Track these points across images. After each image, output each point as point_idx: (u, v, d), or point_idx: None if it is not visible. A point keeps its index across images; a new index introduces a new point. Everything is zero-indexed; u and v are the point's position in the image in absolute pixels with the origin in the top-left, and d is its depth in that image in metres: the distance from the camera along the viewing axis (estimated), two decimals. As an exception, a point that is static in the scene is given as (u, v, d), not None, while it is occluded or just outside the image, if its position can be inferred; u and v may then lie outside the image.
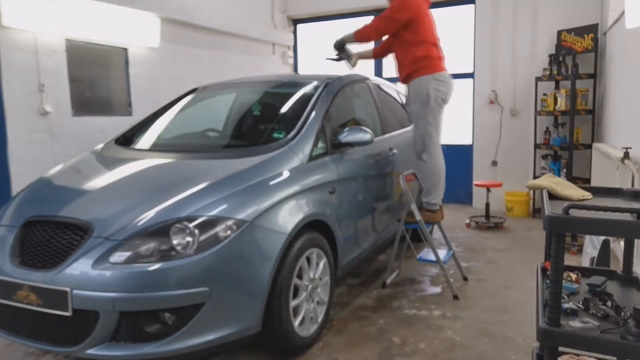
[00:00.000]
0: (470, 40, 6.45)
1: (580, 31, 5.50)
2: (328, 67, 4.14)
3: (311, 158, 2.87)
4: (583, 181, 5.33)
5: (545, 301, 1.51)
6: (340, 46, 3.88)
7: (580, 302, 1.56)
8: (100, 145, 3.28)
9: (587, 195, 1.70)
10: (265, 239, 2.37)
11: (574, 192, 1.72)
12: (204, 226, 2.19)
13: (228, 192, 2.36)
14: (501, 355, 2.62)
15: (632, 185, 3.10)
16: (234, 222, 2.25)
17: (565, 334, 1.41)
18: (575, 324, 1.45)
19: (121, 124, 4.41)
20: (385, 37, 3.82)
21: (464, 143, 6.61)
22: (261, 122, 3.62)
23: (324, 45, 7.49)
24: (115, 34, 4.76)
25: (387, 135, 3.94)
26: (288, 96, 3.51)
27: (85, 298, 2.05)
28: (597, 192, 1.76)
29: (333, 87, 3.38)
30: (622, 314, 1.47)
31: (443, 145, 3.79)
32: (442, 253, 3.67)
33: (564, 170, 5.44)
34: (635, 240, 2.11)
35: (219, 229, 2.21)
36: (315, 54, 7.75)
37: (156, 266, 2.07)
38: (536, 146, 5.89)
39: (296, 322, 2.54)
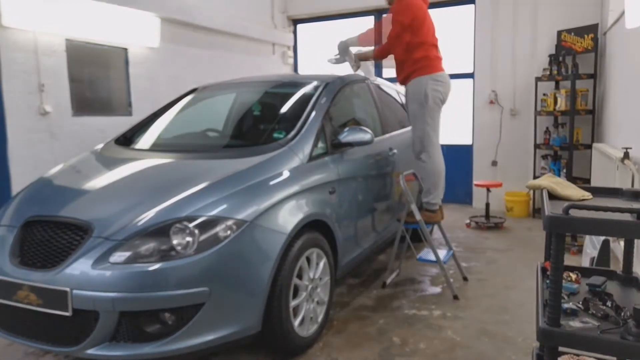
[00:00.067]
0: (470, 40, 6.45)
1: (580, 31, 5.50)
2: (328, 67, 4.13)
3: (311, 158, 2.87)
4: (583, 181, 5.33)
5: (545, 301, 1.51)
6: (343, 49, 3.87)
7: (580, 302, 1.56)
8: (100, 145, 3.28)
9: (587, 195, 1.70)
10: (265, 239, 2.37)
11: (574, 192, 1.72)
12: (204, 226, 2.19)
13: (228, 192, 2.36)
14: (501, 355, 2.62)
15: (632, 185, 3.10)
16: (234, 222, 2.25)
17: (565, 334, 1.41)
18: (575, 324, 1.45)
19: (121, 124, 4.41)
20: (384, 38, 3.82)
21: (464, 143, 6.61)
22: (261, 122, 3.62)
23: (324, 46, 7.52)
24: (115, 34, 4.76)
25: (387, 135, 3.94)
26: (288, 96, 3.51)
27: (85, 298, 2.05)
28: (597, 192, 1.76)
29: (333, 87, 3.39)
30: (622, 314, 1.47)
31: (443, 145, 3.79)
32: (442, 253, 3.67)
33: (564, 171, 5.44)
34: (635, 240, 2.11)
35: (219, 229, 2.21)
36: (316, 54, 7.76)
37: (156, 266, 2.07)
38: (536, 146, 5.89)
39: (296, 322, 2.54)
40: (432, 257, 3.54)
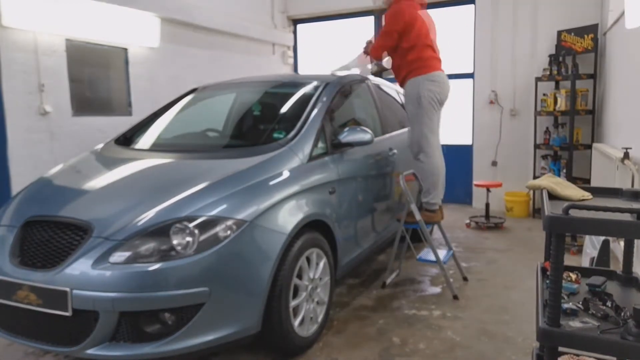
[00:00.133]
0: (470, 40, 6.45)
1: (580, 31, 5.51)
2: (327, 67, 4.14)
3: (311, 158, 2.87)
4: (583, 181, 5.33)
5: (545, 301, 1.50)
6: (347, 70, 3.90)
7: (580, 302, 1.56)
8: (100, 145, 3.28)
9: (587, 195, 1.70)
10: (265, 239, 2.37)
11: (573, 192, 1.72)
12: (204, 226, 2.19)
13: (228, 192, 2.36)
14: (501, 355, 2.62)
15: (632, 185, 3.10)
16: (234, 222, 2.25)
17: (565, 334, 1.41)
18: (575, 324, 1.45)
19: (121, 124, 4.41)
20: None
21: (464, 143, 6.61)
22: (261, 122, 3.62)
23: (324, 46, 7.52)
24: (115, 34, 4.76)
25: (387, 135, 3.94)
26: (288, 96, 3.51)
27: (85, 298, 2.05)
28: (597, 192, 1.76)
29: (333, 87, 3.39)
30: (622, 314, 1.47)
31: (443, 145, 3.79)
32: (442, 253, 3.67)
33: (564, 171, 5.44)
34: (635, 240, 2.11)
35: (218, 229, 2.21)
36: (316, 54, 7.76)
37: (156, 266, 2.07)
38: (536, 146, 5.89)
39: (296, 322, 2.54)
40: (432, 257, 3.54)
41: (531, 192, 5.92)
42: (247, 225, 2.28)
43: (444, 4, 6.60)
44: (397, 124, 4.23)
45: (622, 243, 1.90)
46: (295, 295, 2.54)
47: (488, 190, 5.60)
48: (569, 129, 5.36)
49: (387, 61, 3.95)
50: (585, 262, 3.24)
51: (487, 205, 5.57)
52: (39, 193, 2.66)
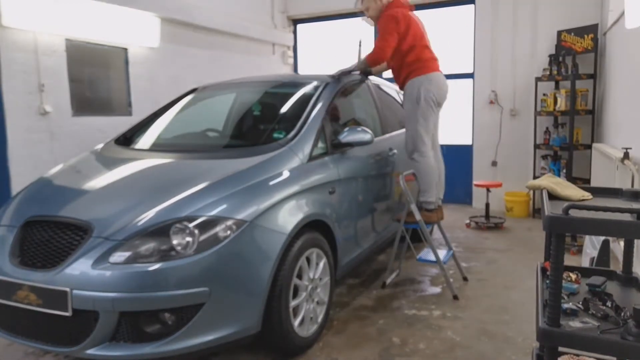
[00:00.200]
0: (470, 40, 6.45)
1: (580, 31, 5.51)
2: (328, 67, 4.14)
3: (311, 158, 2.87)
4: (583, 181, 5.34)
5: (545, 301, 1.51)
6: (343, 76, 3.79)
7: (580, 302, 1.56)
8: (100, 145, 3.28)
9: (587, 195, 1.70)
10: (265, 239, 2.37)
11: (573, 192, 1.72)
12: (204, 226, 2.19)
13: (228, 192, 2.36)
14: (501, 355, 2.62)
15: (632, 185, 3.10)
16: (234, 222, 2.25)
17: (565, 334, 1.41)
18: (575, 324, 1.45)
19: (121, 124, 4.41)
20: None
21: (464, 143, 6.61)
22: (261, 122, 3.62)
23: (324, 46, 7.52)
24: (115, 34, 4.76)
25: (387, 135, 3.94)
26: (288, 96, 3.51)
27: (85, 298, 2.05)
28: (597, 192, 1.76)
29: (333, 87, 3.39)
30: (622, 314, 1.47)
31: (443, 145, 3.79)
32: (442, 253, 3.67)
33: (564, 171, 5.44)
34: (635, 241, 2.11)
35: (218, 229, 2.20)
36: (316, 54, 7.76)
37: (156, 266, 2.07)
38: (536, 146, 5.89)
39: (296, 322, 2.54)
40: (432, 257, 3.54)
41: (531, 192, 5.92)
42: (247, 225, 2.28)
43: (444, 4, 6.61)
44: (397, 124, 4.23)
45: (622, 243, 1.90)
46: (295, 295, 2.54)
47: (488, 190, 5.60)
48: (569, 129, 5.36)
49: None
50: (585, 262, 3.24)
51: (487, 205, 5.57)
52: (39, 193, 2.66)
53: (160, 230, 2.16)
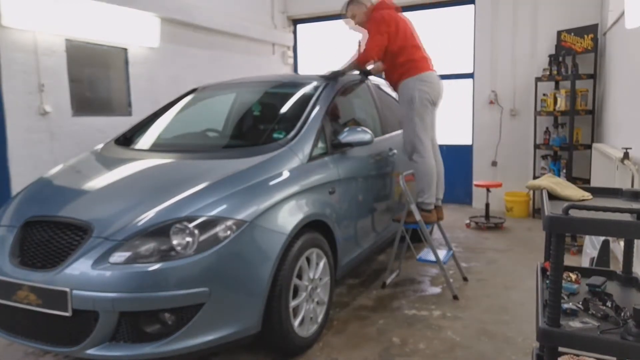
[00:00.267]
0: (470, 40, 6.45)
1: (580, 31, 5.51)
2: (327, 68, 4.12)
3: (311, 158, 2.87)
4: (583, 181, 5.34)
5: (545, 301, 1.50)
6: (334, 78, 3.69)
7: (580, 303, 1.56)
8: (100, 145, 3.28)
9: (587, 195, 1.70)
10: (265, 239, 2.37)
11: (573, 192, 1.72)
12: (204, 226, 2.19)
13: (228, 192, 2.36)
14: (501, 355, 2.62)
15: (632, 185, 3.10)
16: (234, 222, 2.25)
17: (565, 334, 1.41)
18: (575, 324, 1.45)
19: (121, 124, 4.41)
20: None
21: (464, 143, 6.61)
22: (261, 122, 3.62)
23: (324, 46, 7.51)
24: (115, 34, 4.76)
25: (387, 136, 3.94)
26: (288, 96, 3.51)
27: (85, 298, 2.05)
28: (597, 192, 1.76)
29: (333, 87, 3.39)
30: (622, 314, 1.47)
31: (442, 146, 3.78)
32: (442, 253, 3.67)
33: (564, 171, 5.44)
34: (635, 241, 2.11)
35: (218, 229, 2.20)
36: (316, 54, 7.75)
37: (156, 266, 2.07)
38: (536, 146, 5.89)
39: (296, 322, 2.54)
40: (432, 258, 3.54)
41: (531, 192, 5.92)
42: (247, 225, 2.28)
43: (444, 4, 6.61)
44: (397, 124, 4.22)
45: (622, 243, 1.90)
46: (295, 295, 2.54)
47: (488, 190, 5.60)
48: (568, 129, 5.36)
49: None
50: (585, 262, 3.24)
51: (487, 205, 5.57)
52: (39, 193, 2.66)
53: (160, 230, 2.16)
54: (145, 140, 3.32)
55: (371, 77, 4.08)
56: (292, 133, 2.91)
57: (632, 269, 1.78)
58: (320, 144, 3.01)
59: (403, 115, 3.65)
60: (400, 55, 3.55)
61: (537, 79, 5.79)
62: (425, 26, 6.66)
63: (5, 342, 2.75)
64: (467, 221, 5.62)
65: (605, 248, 2.62)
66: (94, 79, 4.74)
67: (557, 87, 5.73)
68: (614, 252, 3.54)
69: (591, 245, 3.05)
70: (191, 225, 2.18)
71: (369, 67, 3.84)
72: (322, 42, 7.69)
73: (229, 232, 2.21)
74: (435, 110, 3.72)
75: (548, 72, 5.64)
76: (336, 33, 7.51)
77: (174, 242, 2.14)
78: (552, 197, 1.70)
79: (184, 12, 5.42)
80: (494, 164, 6.37)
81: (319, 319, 2.79)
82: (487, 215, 5.56)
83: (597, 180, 4.55)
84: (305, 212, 2.62)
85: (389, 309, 3.25)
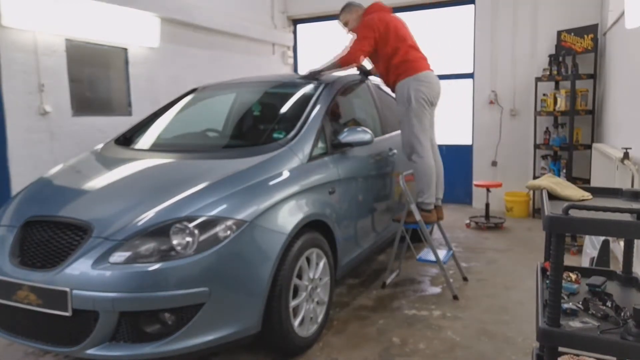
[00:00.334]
0: (470, 40, 6.45)
1: (580, 31, 5.51)
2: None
3: (311, 158, 2.87)
4: (583, 181, 5.34)
5: (545, 301, 1.51)
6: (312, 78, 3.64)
7: (580, 303, 1.56)
8: (100, 145, 3.28)
9: (586, 195, 1.70)
10: (265, 239, 2.37)
11: (573, 192, 1.72)
12: (204, 226, 2.19)
13: (228, 192, 2.36)
14: (501, 355, 2.62)
15: (632, 185, 3.10)
16: (234, 222, 2.25)
17: (565, 334, 1.41)
18: (575, 324, 1.45)
19: (121, 124, 4.41)
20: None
21: (464, 143, 6.62)
22: (261, 122, 3.62)
23: (324, 46, 7.51)
24: (115, 34, 4.76)
25: (387, 136, 3.94)
26: (288, 96, 3.51)
27: (85, 298, 2.05)
28: (597, 192, 1.76)
29: (333, 87, 3.39)
30: (622, 314, 1.47)
31: (442, 146, 3.77)
32: (442, 253, 3.67)
33: (564, 171, 5.44)
34: (635, 241, 2.11)
35: (218, 229, 2.21)
36: (316, 54, 7.75)
37: (156, 266, 2.07)
38: (536, 146, 5.90)
39: (296, 322, 2.54)
40: (432, 258, 3.53)
41: (531, 192, 5.92)
42: (247, 225, 2.28)
43: (444, 4, 6.61)
44: (397, 124, 4.22)
45: (622, 243, 1.90)
46: (295, 295, 2.54)
47: (488, 190, 5.60)
48: (568, 129, 5.36)
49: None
50: (585, 262, 3.24)
51: (487, 205, 5.57)
52: (39, 193, 2.66)
53: (160, 230, 2.16)
54: (145, 140, 3.32)
55: (371, 77, 4.08)
56: (292, 133, 2.91)
57: (632, 269, 1.78)
58: (320, 144, 3.01)
59: (401, 116, 3.65)
60: (395, 57, 3.54)
61: (537, 79, 5.79)
62: (425, 26, 6.68)
63: (5, 342, 2.75)
64: (467, 221, 5.62)
65: (605, 248, 2.62)
66: (94, 79, 4.74)
67: (557, 87, 5.73)
68: (614, 252, 3.54)
69: (591, 245, 3.05)
70: (191, 225, 2.18)
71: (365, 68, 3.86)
72: (322, 42, 7.68)
73: (229, 232, 2.21)
74: (434, 110, 3.72)
75: (548, 72, 5.64)
76: (336, 33, 7.51)
77: (174, 242, 2.14)
78: (552, 197, 1.70)
79: (184, 12, 5.41)
80: (494, 164, 6.37)
81: (319, 319, 2.79)
82: (487, 215, 5.56)
83: (597, 180, 4.55)
84: (305, 212, 2.62)
85: (389, 309, 3.25)
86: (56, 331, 2.17)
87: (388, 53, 3.55)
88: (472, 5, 6.37)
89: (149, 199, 2.33)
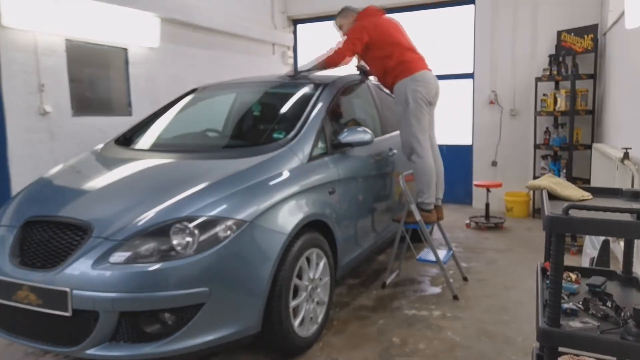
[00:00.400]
0: (470, 40, 6.45)
1: (580, 31, 5.51)
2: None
3: (311, 158, 2.87)
4: (583, 181, 5.34)
5: (545, 301, 1.50)
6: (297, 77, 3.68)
7: (580, 303, 1.56)
8: (100, 145, 3.28)
9: (586, 195, 1.70)
10: (265, 239, 2.37)
11: (573, 192, 1.72)
12: (204, 226, 2.19)
13: (228, 192, 2.36)
14: (501, 355, 2.62)
15: (632, 185, 3.11)
16: (234, 222, 2.25)
17: (565, 334, 1.41)
18: (575, 324, 1.45)
19: (121, 124, 4.41)
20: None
21: (464, 143, 6.61)
22: (261, 122, 3.62)
23: (324, 46, 7.50)
24: (115, 34, 4.76)
25: (387, 136, 3.94)
26: (288, 96, 3.51)
27: (85, 298, 2.05)
28: (597, 192, 1.76)
29: (333, 87, 3.39)
30: (622, 314, 1.47)
31: (442, 146, 3.77)
32: (442, 253, 3.67)
33: (564, 171, 5.44)
34: (635, 241, 2.11)
35: (218, 229, 2.20)
36: (315, 55, 7.75)
37: (156, 266, 2.07)
38: (536, 146, 5.89)
39: (296, 323, 2.54)
40: (432, 258, 3.53)
41: (531, 192, 5.92)
42: (247, 225, 2.28)
43: (444, 4, 6.61)
44: (397, 124, 4.22)
45: (622, 243, 1.90)
46: (295, 295, 2.54)
47: (488, 190, 5.60)
48: (568, 129, 5.36)
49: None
50: (585, 262, 3.24)
51: (487, 205, 5.57)
52: (39, 193, 2.66)
53: (160, 230, 2.16)
54: (145, 140, 3.32)
55: (371, 77, 4.08)
56: (292, 133, 2.91)
57: (632, 269, 1.78)
58: (320, 144, 3.01)
59: (399, 117, 3.65)
60: (390, 60, 3.55)
61: (537, 79, 5.79)
62: (426, 26, 6.68)
63: (5, 342, 2.75)
64: (467, 221, 5.62)
65: (605, 248, 2.62)
66: (94, 79, 4.74)
67: (557, 87, 5.73)
68: (614, 252, 3.54)
69: (591, 245, 3.05)
70: (191, 225, 2.18)
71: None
72: (322, 42, 7.68)
73: (229, 232, 2.21)
74: (433, 110, 3.71)
75: (548, 72, 5.64)
76: (336, 33, 7.52)
77: (174, 242, 2.14)
78: (552, 197, 1.70)
79: (184, 12, 5.41)
80: (494, 164, 6.37)
81: (319, 319, 2.79)
82: (487, 215, 5.56)
83: (597, 180, 4.55)
84: (305, 212, 2.62)
85: (389, 309, 3.25)
86: (56, 331, 2.17)
87: (383, 56, 3.56)
88: (472, 5, 6.37)
89: (149, 199, 2.33)
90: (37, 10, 4.04)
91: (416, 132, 3.53)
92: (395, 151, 3.88)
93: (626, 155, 3.30)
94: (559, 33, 5.71)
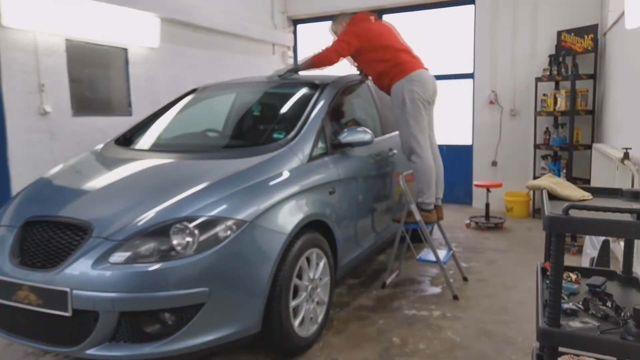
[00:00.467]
0: (470, 41, 6.45)
1: (580, 32, 5.51)
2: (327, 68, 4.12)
3: (311, 158, 2.87)
4: (583, 181, 5.33)
5: (545, 301, 1.51)
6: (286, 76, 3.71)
7: (580, 303, 1.56)
8: (100, 146, 3.28)
9: (587, 195, 1.70)
10: (265, 239, 2.37)
11: (573, 192, 1.72)
12: (204, 226, 2.19)
13: (228, 192, 2.36)
14: (501, 355, 2.62)
15: (632, 185, 3.11)
16: (234, 222, 2.25)
17: (565, 334, 1.41)
18: (575, 324, 1.45)
19: (121, 124, 4.41)
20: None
21: (463, 143, 6.61)
22: (261, 122, 3.62)
23: (324, 46, 7.49)
24: (115, 34, 4.76)
25: (387, 136, 3.94)
26: (288, 96, 3.52)
27: (85, 298, 2.05)
28: (597, 192, 1.76)
29: (333, 87, 3.39)
30: (622, 314, 1.47)
31: (442, 146, 3.77)
32: (442, 253, 3.67)
33: (564, 171, 5.44)
34: (635, 241, 2.11)
35: (218, 229, 2.21)
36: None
37: (156, 266, 2.07)
38: (536, 146, 5.89)
39: (296, 323, 2.54)
40: (432, 258, 3.53)
41: (531, 192, 5.92)
42: (247, 225, 2.28)
43: (444, 4, 6.61)
44: (395, 126, 4.22)
45: (622, 243, 1.90)
46: (295, 295, 2.54)
47: (488, 190, 5.60)
48: (569, 129, 5.36)
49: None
50: (585, 262, 3.24)
51: (487, 205, 5.57)
52: (39, 193, 2.66)
53: (160, 230, 2.16)
54: (146, 141, 3.32)
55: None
56: (292, 133, 2.91)
57: (632, 269, 1.78)
58: (321, 144, 3.01)
59: (397, 118, 3.65)
60: (385, 63, 3.56)
61: (537, 79, 5.79)
62: (426, 26, 6.68)
63: (5, 342, 2.75)
64: (467, 221, 5.62)
65: (605, 248, 2.62)
66: (94, 79, 4.74)
67: (557, 87, 5.73)
68: (614, 252, 3.54)
69: (591, 245, 3.05)
70: (191, 225, 2.18)
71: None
72: (322, 42, 7.67)
73: (229, 232, 2.22)
74: (432, 109, 3.70)
75: (548, 72, 5.64)
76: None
77: (174, 242, 2.14)
78: (552, 197, 1.70)
79: (184, 12, 5.41)
80: (494, 164, 6.37)
81: (319, 319, 2.79)
82: (487, 215, 5.56)
83: (597, 180, 4.55)
84: (305, 212, 2.62)
85: (389, 309, 3.25)
86: (56, 331, 2.17)
87: (377, 59, 3.57)
88: (472, 5, 6.37)
89: (149, 199, 2.33)
90: (37, 10, 4.04)
91: (415, 133, 3.53)
92: (395, 151, 3.88)
93: (626, 156, 3.30)
94: (559, 33, 5.71)
